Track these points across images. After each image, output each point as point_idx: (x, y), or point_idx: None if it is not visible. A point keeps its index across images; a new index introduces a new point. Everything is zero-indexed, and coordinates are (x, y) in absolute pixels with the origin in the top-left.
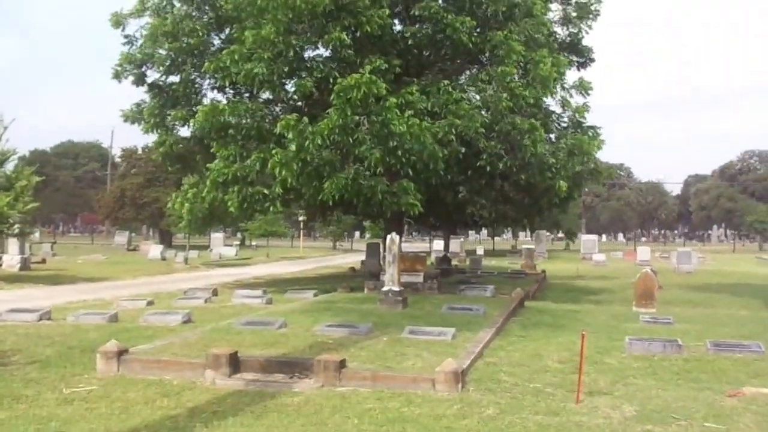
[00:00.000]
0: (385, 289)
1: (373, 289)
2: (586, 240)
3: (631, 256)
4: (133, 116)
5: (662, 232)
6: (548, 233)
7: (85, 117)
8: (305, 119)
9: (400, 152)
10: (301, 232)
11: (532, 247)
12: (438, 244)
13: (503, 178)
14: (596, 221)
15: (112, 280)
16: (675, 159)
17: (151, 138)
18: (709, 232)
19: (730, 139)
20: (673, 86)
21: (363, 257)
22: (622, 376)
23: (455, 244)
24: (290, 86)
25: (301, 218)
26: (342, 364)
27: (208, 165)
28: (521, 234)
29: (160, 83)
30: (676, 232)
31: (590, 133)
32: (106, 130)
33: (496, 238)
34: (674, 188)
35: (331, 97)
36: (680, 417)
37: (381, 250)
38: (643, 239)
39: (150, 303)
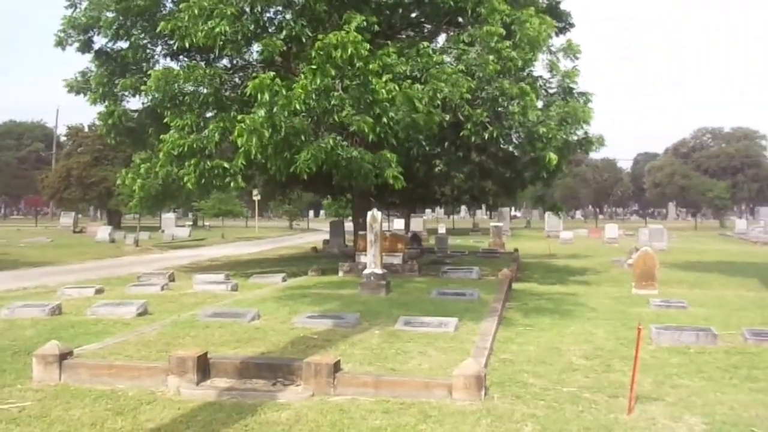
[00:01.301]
0: (366, 272)
1: (348, 272)
2: (550, 217)
3: (596, 233)
4: (79, 86)
5: (614, 209)
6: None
7: (29, 96)
8: (278, 81)
9: (385, 119)
10: (257, 211)
11: (500, 225)
12: (398, 223)
13: (480, 150)
14: (549, 198)
15: (57, 265)
16: (623, 136)
17: (99, 111)
18: (662, 210)
19: (678, 118)
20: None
21: (322, 236)
22: (664, 374)
23: (416, 223)
24: (257, 47)
25: (256, 197)
26: (336, 366)
27: (161, 136)
28: (478, 212)
29: (108, 50)
30: (626, 209)
31: (582, 100)
32: (52, 110)
33: (450, 217)
34: (624, 166)
35: (312, 55)
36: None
37: (344, 229)
38: (601, 216)
39: (99, 291)
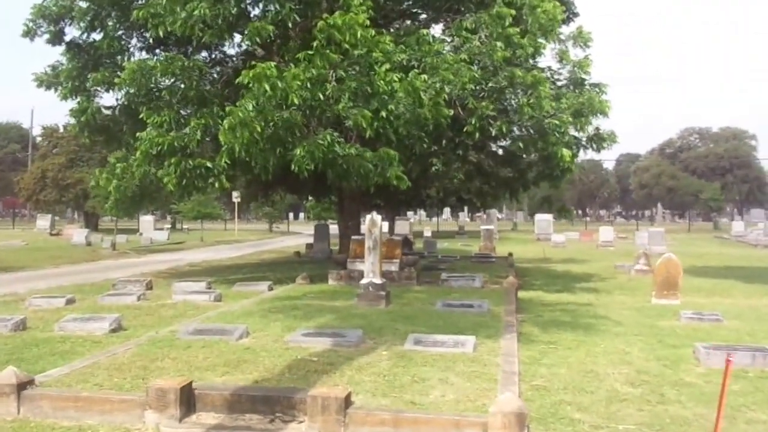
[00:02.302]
0: (364, 281)
1: (339, 280)
2: (540, 219)
3: (588, 236)
4: (49, 80)
5: (596, 212)
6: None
7: (2, 97)
8: (273, 71)
9: (383, 113)
10: (236, 213)
11: (491, 227)
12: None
13: (478, 148)
14: (532, 199)
15: (30, 270)
16: None
17: (70, 107)
18: (645, 212)
19: (657, 118)
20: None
21: (303, 240)
22: (730, 406)
23: (401, 226)
24: (238, 38)
25: (236, 199)
26: (347, 401)
27: (138, 134)
28: (460, 214)
29: (80, 42)
30: (609, 211)
31: (596, 91)
32: (27, 110)
33: (433, 219)
34: (605, 167)
35: (315, 35)
36: None
37: (329, 232)
38: (587, 219)
39: (70, 301)
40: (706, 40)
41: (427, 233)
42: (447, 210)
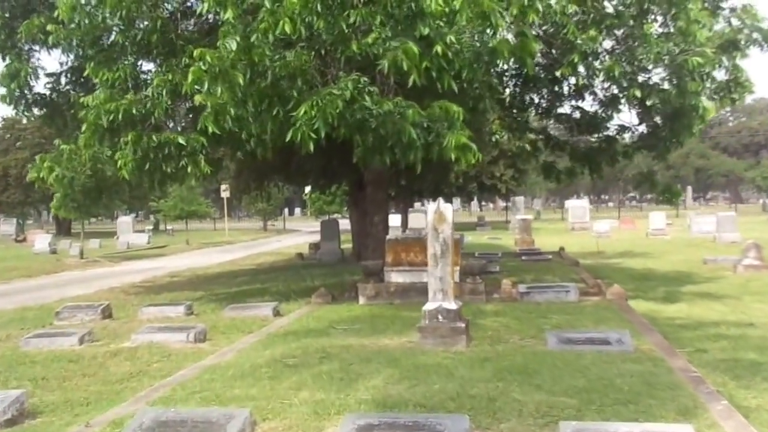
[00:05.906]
0: (430, 306)
1: (374, 297)
2: (575, 206)
3: (629, 223)
4: None
5: (619, 196)
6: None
7: None
8: None
9: (439, 48)
10: (226, 210)
11: (529, 218)
12: (394, 219)
13: (545, 111)
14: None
15: None
16: None
17: None
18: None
19: None
20: None
21: (303, 239)
22: None
23: (416, 219)
24: None
25: (225, 192)
26: None
27: (82, 100)
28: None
29: None
30: (624, 196)
31: (743, 16)
32: None
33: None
34: None
35: None
36: None
37: (339, 229)
38: (610, 204)
39: None
40: None
41: None
42: (457, 200)
